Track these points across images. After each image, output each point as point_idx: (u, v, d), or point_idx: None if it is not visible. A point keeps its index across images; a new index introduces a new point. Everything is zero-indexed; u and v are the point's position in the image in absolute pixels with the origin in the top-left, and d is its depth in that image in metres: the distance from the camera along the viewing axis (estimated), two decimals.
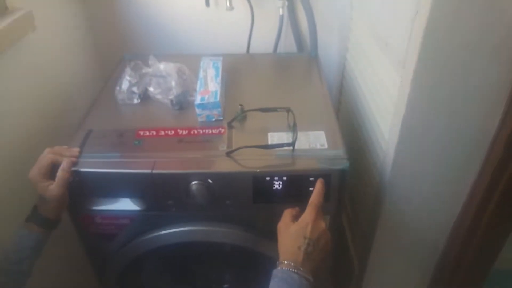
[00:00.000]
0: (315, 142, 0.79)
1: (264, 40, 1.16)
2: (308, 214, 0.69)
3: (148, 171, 0.74)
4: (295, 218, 0.71)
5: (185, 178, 0.74)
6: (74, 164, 0.74)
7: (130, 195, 0.78)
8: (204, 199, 0.74)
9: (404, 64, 0.73)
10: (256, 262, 1.05)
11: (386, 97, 0.84)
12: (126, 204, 0.79)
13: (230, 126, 0.84)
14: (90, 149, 0.79)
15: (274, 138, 0.80)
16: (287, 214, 0.72)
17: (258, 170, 0.73)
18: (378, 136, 0.89)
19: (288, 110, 0.82)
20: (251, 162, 0.75)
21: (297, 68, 1.12)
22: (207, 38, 1.19)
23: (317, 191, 0.72)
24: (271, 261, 0.85)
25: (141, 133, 0.82)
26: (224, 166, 0.75)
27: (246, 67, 1.13)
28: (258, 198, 0.77)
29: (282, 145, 0.76)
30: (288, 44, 1.19)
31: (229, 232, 0.79)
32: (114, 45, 1.23)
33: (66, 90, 1.06)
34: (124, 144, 0.80)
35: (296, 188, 0.75)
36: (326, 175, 0.74)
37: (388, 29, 0.82)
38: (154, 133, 0.82)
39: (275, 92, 0.99)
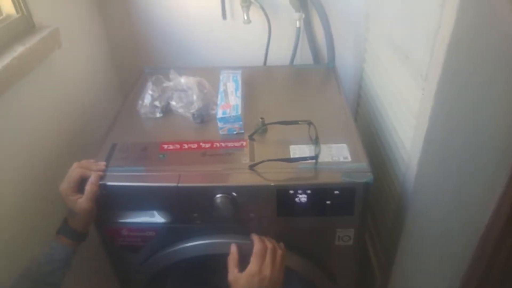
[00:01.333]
0: (338, 155, 0.79)
1: (280, 53, 1.17)
2: (253, 265, 0.72)
3: (174, 184, 0.74)
4: (240, 264, 0.75)
5: (210, 191, 0.75)
6: (102, 178, 0.76)
7: (156, 208, 0.79)
8: (228, 212, 0.75)
9: (426, 77, 0.73)
10: None
11: (406, 109, 0.84)
12: (151, 217, 0.80)
13: (251, 139, 0.85)
14: (115, 163, 0.80)
15: (296, 151, 0.81)
16: (232, 264, 0.75)
17: (281, 184, 0.74)
18: (399, 148, 0.89)
19: (310, 123, 0.83)
20: (274, 175, 0.76)
21: (315, 80, 1.12)
22: (225, 51, 1.21)
23: (256, 238, 0.75)
24: (293, 274, 0.86)
25: (165, 146, 0.83)
26: (248, 179, 0.76)
27: (264, 79, 1.14)
28: (282, 211, 0.77)
29: (305, 159, 0.76)
30: (304, 56, 1.20)
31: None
32: (133, 59, 1.25)
33: (88, 104, 1.08)
34: (149, 158, 0.81)
35: (320, 202, 0.75)
36: (349, 189, 0.74)
37: (408, 42, 0.83)
38: (178, 146, 0.83)
39: (294, 104, 1.00)
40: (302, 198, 0.75)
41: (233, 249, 0.77)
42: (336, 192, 0.74)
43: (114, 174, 0.77)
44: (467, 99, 0.72)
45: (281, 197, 0.75)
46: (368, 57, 1.11)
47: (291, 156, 0.79)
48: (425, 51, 0.73)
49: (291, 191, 0.74)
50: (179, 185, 0.74)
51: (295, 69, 1.18)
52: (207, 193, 0.75)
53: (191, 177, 0.76)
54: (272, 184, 0.74)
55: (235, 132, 0.86)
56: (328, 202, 0.75)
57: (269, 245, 0.75)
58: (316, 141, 0.79)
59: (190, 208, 0.77)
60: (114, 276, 0.92)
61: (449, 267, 0.99)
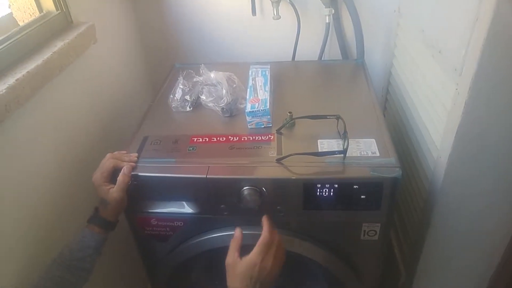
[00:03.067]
0: (366, 150, 0.77)
1: (309, 48, 1.16)
2: (256, 255, 0.67)
3: (203, 176, 0.75)
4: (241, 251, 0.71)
5: (238, 184, 0.75)
6: (134, 169, 0.77)
7: (185, 198, 0.80)
8: (255, 204, 0.74)
9: (461, 71, 0.70)
10: (303, 266, 1.04)
11: (437, 105, 0.81)
12: (180, 207, 0.81)
13: (279, 133, 0.84)
14: (147, 155, 0.81)
15: (324, 145, 0.79)
16: (233, 247, 0.70)
17: (309, 177, 0.73)
18: (428, 144, 0.86)
19: (338, 117, 0.81)
20: (301, 169, 0.75)
21: (344, 75, 1.10)
22: (254, 47, 1.20)
23: (265, 228, 0.71)
24: (318, 266, 0.85)
25: (195, 139, 0.84)
26: (275, 172, 0.75)
27: (293, 74, 1.13)
28: (308, 205, 0.76)
29: (333, 153, 0.75)
30: (333, 52, 1.18)
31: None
32: (164, 54, 1.26)
33: (121, 98, 1.11)
34: (179, 150, 0.82)
35: (347, 196, 0.74)
36: (377, 183, 0.72)
37: (442, 35, 0.80)
38: (207, 139, 0.84)
39: (322, 99, 0.99)
40: (329, 192, 0.74)
41: (238, 233, 0.74)
42: (363, 186, 0.73)
43: (145, 165, 0.78)
44: (504, 94, 0.69)
45: (308, 191, 0.74)
46: (398, 53, 1.08)
47: (319, 150, 0.78)
48: (460, 45, 0.70)
49: (318, 185, 0.73)
50: (208, 176, 0.75)
51: (324, 64, 1.17)
52: (234, 185, 0.75)
53: (219, 169, 0.76)
54: (299, 177, 0.73)
55: (263, 126, 0.85)
56: (355, 196, 0.74)
57: (276, 237, 0.72)
58: (344, 136, 0.77)
59: (217, 200, 0.78)
60: (142, 265, 0.93)
61: (477, 266, 0.96)
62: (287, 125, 0.84)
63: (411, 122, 0.97)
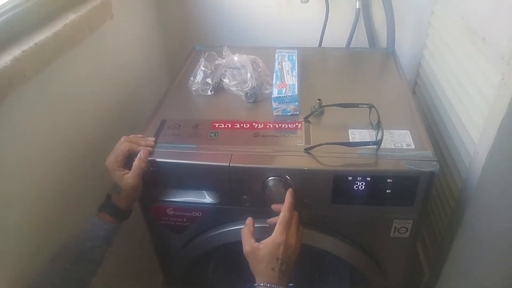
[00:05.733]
0: (400, 142, 0.72)
1: (336, 34, 1.10)
2: (279, 234, 0.65)
3: (226, 164, 0.70)
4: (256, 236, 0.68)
5: (263, 173, 0.70)
6: (150, 153, 0.72)
7: (204, 187, 0.75)
8: (280, 195, 0.69)
9: (509, 60, 0.64)
10: (323, 261, 1.00)
11: (477, 97, 0.76)
12: (199, 197, 0.76)
13: (306, 121, 0.78)
14: (164, 139, 0.76)
15: (355, 135, 0.74)
16: (247, 235, 0.67)
17: (339, 169, 0.68)
18: (463, 139, 0.81)
19: (371, 106, 0.75)
20: (331, 160, 0.69)
21: (373, 64, 1.04)
22: (279, 31, 1.14)
23: (287, 205, 0.67)
24: (342, 261, 0.80)
25: (216, 125, 0.79)
26: (303, 162, 0.69)
27: (320, 61, 1.07)
28: (338, 199, 0.71)
29: (367, 143, 0.69)
30: (359, 39, 1.12)
31: (304, 232, 0.74)
32: (184, 36, 1.20)
33: (137, 79, 1.05)
34: (200, 136, 0.76)
35: (380, 190, 0.69)
36: (413, 178, 0.67)
37: (487, 22, 0.74)
38: (229, 125, 0.78)
39: (351, 88, 0.93)
40: (361, 185, 0.69)
41: (249, 221, 0.71)
42: (398, 181, 0.67)
43: (163, 150, 0.73)
44: None
45: (338, 184, 0.69)
46: (430, 43, 1.02)
47: (350, 141, 0.73)
48: (508, 32, 0.65)
49: (350, 178, 0.68)
50: (231, 165, 0.69)
51: (352, 52, 1.10)
52: (259, 175, 0.70)
53: (243, 157, 0.71)
54: (329, 169, 0.68)
55: (289, 114, 0.80)
56: (388, 191, 0.68)
57: (295, 214, 0.69)
58: (378, 126, 0.71)
59: (240, 190, 0.72)
60: (155, 258, 0.89)
61: (507, 270, 0.90)
62: (316, 113, 0.79)
63: (443, 115, 0.91)
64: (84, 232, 0.68)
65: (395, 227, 0.73)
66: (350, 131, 0.75)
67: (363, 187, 0.69)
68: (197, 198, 0.76)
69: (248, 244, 0.66)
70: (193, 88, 0.87)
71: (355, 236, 0.77)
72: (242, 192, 0.73)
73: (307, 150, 0.71)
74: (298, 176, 0.69)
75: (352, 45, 1.12)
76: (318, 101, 0.79)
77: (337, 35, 1.10)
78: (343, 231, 0.75)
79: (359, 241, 0.77)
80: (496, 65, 0.69)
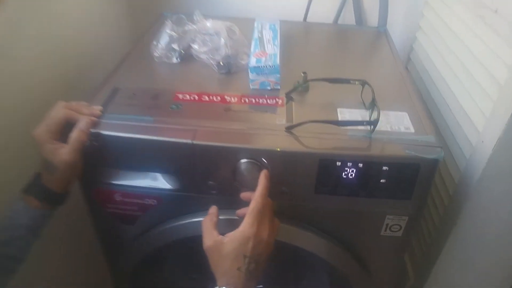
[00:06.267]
0: (398, 124, 0.60)
1: (323, 9, 0.96)
2: (249, 226, 0.51)
3: (188, 141, 0.55)
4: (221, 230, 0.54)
5: (233, 154, 0.56)
6: (94, 124, 0.56)
7: (161, 169, 0.60)
8: (254, 182, 0.55)
9: None
10: (299, 260, 0.86)
11: (484, 79, 0.64)
12: (154, 181, 0.61)
13: (289, 97, 0.65)
14: (115, 110, 0.60)
15: (345, 115, 0.61)
16: (209, 227, 0.54)
17: (327, 152, 0.55)
18: (463, 126, 0.69)
19: (364, 83, 0.63)
20: (317, 141, 0.56)
21: (364, 41, 0.91)
22: (259, 2, 1.00)
23: (260, 191, 0.53)
24: (320, 261, 0.67)
25: (180, 96, 0.64)
26: (283, 143, 0.56)
27: (305, 36, 0.94)
28: (322, 188, 0.57)
29: (359, 123, 0.57)
30: (347, 17, 1.00)
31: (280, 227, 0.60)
32: (152, 1, 1.04)
33: (92, 47, 0.87)
34: (159, 108, 0.61)
35: (373, 179, 0.56)
36: (413, 165, 0.55)
37: None
38: (196, 97, 0.64)
39: (340, 64, 0.80)
40: (350, 172, 0.56)
41: (213, 210, 0.57)
42: (395, 168, 0.55)
43: (112, 122, 0.58)
44: None
45: (324, 170, 0.56)
46: (424, 24, 0.91)
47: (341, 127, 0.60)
48: None
49: (338, 163, 0.55)
50: (194, 142, 0.55)
51: (340, 29, 0.98)
52: (229, 156, 0.56)
53: (210, 134, 0.57)
54: (314, 151, 0.55)
55: (269, 88, 0.66)
56: (382, 180, 0.56)
57: (269, 202, 0.55)
58: (372, 105, 0.59)
59: (205, 174, 0.58)
60: (101, 253, 0.73)
61: (502, 273, 0.80)
62: (300, 88, 0.66)
63: (438, 101, 0.80)
64: (2, 219, 0.52)
65: (387, 224, 0.61)
66: (339, 110, 0.62)
67: (353, 174, 0.56)
68: (152, 183, 0.61)
69: (209, 237, 0.52)
70: (155, 54, 0.72)
71: (340, 233, 0.64)
72: (208, 176, 0.58)
73: (288, 129, 0.57)
74: (277, 158, 0.55)
75: (340, 22, 0.99)
76: (303, 75, 0.66)
77: (324, 10, 0.96)
78: (325, 227, 0.62)
79: (343, 239, 0.64)
80: (510, 40, 0.58)
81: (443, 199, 0.74)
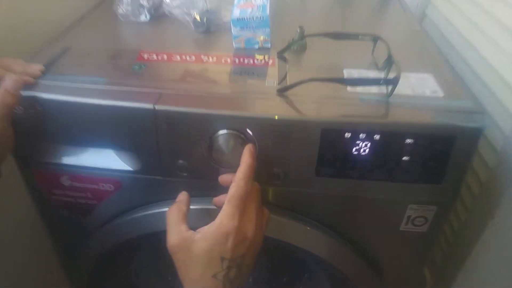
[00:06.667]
0: (421, 87, 0.46)
1: None
2: (228, 218, 0.37)
3: (150, 106, 0.41)
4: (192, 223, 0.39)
5: (209, 124, 0.41)
6: (29, 85, 0.42)
7: (118, 145, 0.45)
8: (236, 160, 0.41)
9: None
10: (294, 261, 0.73)
11: None
12: (110, 160, 0.46)
13: (281, 57, 0.51)
14: (61, 70, 0.47)
15: (354, 76, 0.47)
16: (175, 219, 0.39)
17: (332, 120, 0.40)
18: (499, 95, 0.55)
19: (377, 38, 0.49)
20: (318, 107, 0.42)
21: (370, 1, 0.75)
22: None
23: (243, 171, 0.39)
24: (320, 263, 0.53)
25: (145, 56, 0.50)
26: (275, 108, 0.42)
27: None
28: (326, 169, 0.43)
29: (377, 81, 0.43)
30: None
31: (271, 219, 0.46)
32: None
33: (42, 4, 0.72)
34: (117, 69, 0.47)
35: (393, 156, 0.42)
36: (447, 137, 0.40)
37: None
38: (165, 57, 0.50)
39: (342, 20, 0.66)
40: (363, 147, 0.42)
41: (182, 196, 0.42)
42: (422, 140, 0.41)
43: (54, 83, 0.44)
44: None
45: (328, 144, 0.41)
46: None
47: (348, 90, 0.45)
48: None
49: (347, 134, 0.41)
50: (158, 107, 0.41)
51: None
52: (203, 126, 0.41)
53: (179, 98, 0.43)
54: (315, 119, 0.41)
55: (257, 47, 0.52)
56: (405, 158, 0.42)
57: (255, 186, 0.40)
58: (389, 62, 0.45)
59: (173, 151, 0.44)
60: (52, 251, 0.58)
61: None
62: (296, 46, 0.52)
63: (466, 65, 0.66)
64: None
65: (409, 216, 0.46)
66: (346, 71, 0.47)
67: (366, 150, 0.42)
68: (108, 163, 0.46)
69: (175, 233, 0.38)
70: (120, 12, 0.57)
71: (347, 228, 0.49)
72: (176, 154, 0.44)
73: (281, 91, 0.44)
74: (266, 129, 0.41)
75: None
76: (299, 30, 0.52)
77: None
78: (329, 220, 0.48)
79: (351, 236, 0.50)
80: None
81: (472, 189, 0.60)
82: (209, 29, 0.55)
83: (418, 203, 0.45)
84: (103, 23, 0.59)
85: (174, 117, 0.41)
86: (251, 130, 0.41)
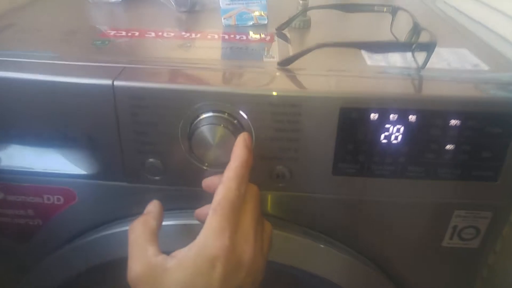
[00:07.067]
0: (459, 62, 0.36)
1: None
2: (214, 234, 0.25)
3: (106, 82, 0.30)
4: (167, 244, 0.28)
5: (188, 105, 0.30)
6: None
7: (68, 140, 0.33)
8: (225, 155, 0.29)
9: None
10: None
11: None
12: (58, 162, 0.34)
13: (280, 34, 0.41)
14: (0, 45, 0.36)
15: (372, 54, 0.37)
16: (139, 239, 0.27)
17: (353, 96, 0.29)
18: None
19: (396, 9, 0.40)
20: (333, 80, 0.32)
21: None
22: None
23: (234, 170, 0.28)
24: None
25: (112, 32, 0.40)
26: (275, 84, 0.31)
27: None
28: (345, 165, 0.32)
29: (409, 46, 0.32)
30: None
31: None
32: None
33: None
34: (74, 44, 0.37)
35: (433, 144, 0.30)
36: (504, 116, 0.30)
37: None
38: (136, 33, 0.39)
39: None
40: (396, 133, 0.31)
41: (153, 207, 0.30)
42: (471, 122, 0.30)
43: None
44: None
45: (349, 129, 0.30)
46: None
47: (368, 63, 0.35)
48: None
49: (373, 115, 0.30)
50: (117, 83, 0.30)
51: None
52: (180, 109, 0.30)
53: (146, 72, 0.32)
54: (331, 95, 0.30)
55: (250, 23, 0.42)
56: (449, 146, 0.31)
57: (254, 190, 0.29)
58: (415, 31, 0.35)
59: (139, 144, 0.32)
60: None
61: None
62: (298, 22, 0.42)
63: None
64: None
65: (455, 227, 0.34)
66: (362, 51, 0.37)
67: (398, 136, 0.31)
68: (55, 165, 0.34)
69: (138, 259, 0.26)
70: None
71: (370, 245, 0.37)
72: (145, 149, 0.32)
73: (284, 64, 0.33)
74: (265, 111, 0.30)
75: None
76: (301, 2, 0.42)
77: None
78: (347, 234, 0.36)
79: (376, 255, 0.37)
80: None
81: None
82: (194, 7, 0.45)
83: (467, 208, 0.33)
84: (65, 3, 0.49)
85: (140, 96, 0.30)
86: (245, 113, 0.30)
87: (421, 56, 0.33)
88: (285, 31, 0.41)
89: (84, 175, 0.34)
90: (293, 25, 0.41)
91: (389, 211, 0.34)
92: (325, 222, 0.36)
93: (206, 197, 0.31)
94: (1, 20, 0.41)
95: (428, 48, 0.31)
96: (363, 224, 0.35)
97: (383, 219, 0.35)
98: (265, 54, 0.35)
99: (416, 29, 0.35)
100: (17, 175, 0.34)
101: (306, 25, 0.42)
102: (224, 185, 0.27)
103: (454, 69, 0.34)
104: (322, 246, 0.35)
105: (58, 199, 0.35)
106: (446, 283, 0.39)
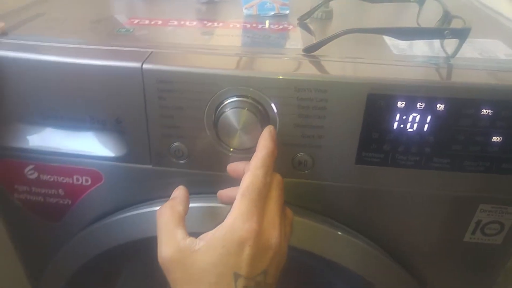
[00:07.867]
0: (491, 51, 0.33)
1: None
2: (242, 217, 0.24)
3: (135, 64, 0.29)
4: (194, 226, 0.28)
5: (214, 89, 0.29)
6: None
7: (96, 122, 0.32)
8: (251, 141, 0.29)
9: None
10: (322, 279, 0.58)
11: None
12: (87, 144, 0.33)
13: (302, 24, 0.39)
14: (25, 31, 0.35)
15: (399, 44, 0.34)
16: (168, 222, 0.27)
17: (381, 83, 0.27)
18: None
19: None
20: (361, 68, 0.30)
21: None
22: None
23: (261, 158, 0.27)
24: (355, 279, 0.39)
25: (135, 21, 0.39)
26: (303, 69, 0.29)
27: None
28: (370, 154, 0.30)
29: (441, 32, 0.29)
30: None
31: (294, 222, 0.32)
32: None
33: None
34: (99, 32, 0.36)
35: (463, 133, 0.28)
36: None
37: None
38: (160, 22, 0.38)
39: None
40: (422, 120, 0.29)
41: (179, 192, 0.29)
42: (506, 111, 0.28)
43: (15, 41, 0.32)
44: None
45: (376, 117, 0.29)
46: None
47: (394, 53, 0.33)
48: None
49: (401, 103, 0.28)
50: (146, 67, 0.29)
51: None
52: (206, 93, 0.29)
53: (174, 56, 0.31)
54: (358, 81, 0.28)
55: (272, 13, 0.41)
56: (479, 138, 0.29)
57: (277, 178, 0.28)
58: (446, 19, 0.33)
59: (166, 128, 0.31)
60: (21, 266, 0.45)
61: None
62: (320, 13, 0.40)
63: None
64: None
65: (479, 222, 0.32)
66: (388, 41, 0.35)
67: (426, 125, 0.29)
68: (84, 146, 0.33)
69: (168, 241, 0.25)
70: None
71: (389, 236, 0.35)
72: (171, 132, 0.31)
73: (309, 50, 0.31)
74: (289, 99, 0.28)
75: None
76: None
77: None
78: (368, 224, 0.34)
79: (395, 247, 0.36)
80: None
81: None
82: None
83: (493, 202, 0.31)
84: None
85: (167, 80, 0.29)
86: (270, 98, 0.29)
87: (450, 46, 0.31)
88: (307, 22, 0.39)
89: (111, 157, 0.33)
90: (315, 15, 0.39)
91: (411, 203, 0.33)
92: (345, 211, 0.34)
93: (229, 182, 0.30)
94: (28, 10, 0.41)
95: (462, 34, 0.29)
96: (383, 215, 0.34)
97: (404, 211, 0.34)
98: (289, 42, 0.34)
99: (446, 17, 0.33)
100: (49, 155, 0.34)
101: (328, 16, 0.40)
102: (251, 172, 0.26)
103: (484, 58, 0.32)
104: (340, 233, 0.34)
105: (86, 180, 0.35)
106: (467, 278, 0.37)
